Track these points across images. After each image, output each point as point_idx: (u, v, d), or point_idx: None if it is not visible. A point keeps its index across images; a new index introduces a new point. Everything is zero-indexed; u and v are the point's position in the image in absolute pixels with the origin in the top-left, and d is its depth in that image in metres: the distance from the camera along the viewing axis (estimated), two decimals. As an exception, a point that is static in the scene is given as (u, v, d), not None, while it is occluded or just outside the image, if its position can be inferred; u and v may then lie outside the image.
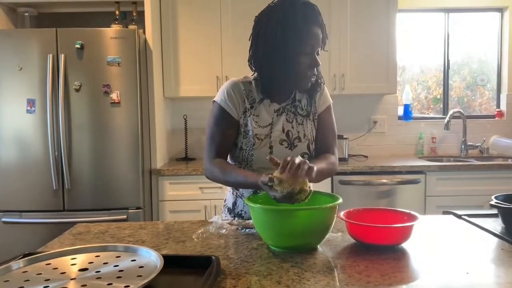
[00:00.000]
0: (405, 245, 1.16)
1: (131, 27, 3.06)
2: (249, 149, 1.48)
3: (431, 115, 4.04)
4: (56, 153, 2.77)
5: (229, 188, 1.62)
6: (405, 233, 1.14)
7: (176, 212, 3.08)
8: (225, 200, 1.64)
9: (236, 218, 1.49)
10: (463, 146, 3.68)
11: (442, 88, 3.99)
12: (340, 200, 1.18)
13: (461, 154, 3.67)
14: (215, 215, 2.99)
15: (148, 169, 3.04)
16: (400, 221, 1.20)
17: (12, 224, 2.81)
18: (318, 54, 1.40)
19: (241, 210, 1.54)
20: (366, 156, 3.59)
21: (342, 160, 3.25)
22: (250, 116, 1.49)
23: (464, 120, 3.67)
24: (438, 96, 4.06)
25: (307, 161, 1.18)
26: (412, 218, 1.19)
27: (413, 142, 3.78)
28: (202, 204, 3.06)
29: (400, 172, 3.07)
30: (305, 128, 1.53)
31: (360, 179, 3.05)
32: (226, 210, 1.61)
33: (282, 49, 1.37)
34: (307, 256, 1.09)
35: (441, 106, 4.00)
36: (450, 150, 3.78)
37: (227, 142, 1.50)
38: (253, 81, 1.52)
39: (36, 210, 2.82)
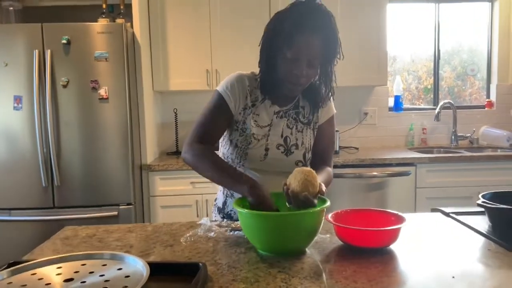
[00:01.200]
0: (393, 246, 1.17)
1: (119, 20, 3.01)
2: (244, 148, 1.46)
3: (422, 105, 4.05)
4: (44, 150, 2.75)
5: (220, 188, 1.60)
6: (392, 236, 1.14)
7: (167, 208, 3.07)
8: (216, 199, 1.63)
9: (225, 219, 1.48)
10: (453, 137, 3.70)
11: (432, 78, 3.99)
12: (328, 203, 1.18)
13: (451, 145, 3.68)
14: (206, 215, 3.02)
15: (139, 165, 3.02)
16: (388, 222, 1.20)
17: (1, 222, 2.78)
18: (312, 65, 1.33)
19: (231, 210, 1.54)
20: (357, 148, 3.60)
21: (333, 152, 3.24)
22: (250, 114, 1.45)
23: (454, 111, 3.69)
24: (429, 86, 4.06)
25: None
26: (399, 219, 1.19)
27: (404, 133, 3.79)
28: (194, 199, 3.06)
29: (390, 165, 3.08)
30: (304, 136, 1.50)
31: (351, 172, 3.06)
32: (216, 209, 1.60)
33: (266, 49, 1.36)
34: (295, 261, 1.09)
35: (432, 96, 4.01)
36: (441, 140, 3.80)
37: (215, 131, 1.46)
38: (258, 79, 1.47)
39: (25, 208, 2.80)
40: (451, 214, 1.46)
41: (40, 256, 1.19)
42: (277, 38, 1.32)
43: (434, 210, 1.56)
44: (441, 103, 3.64)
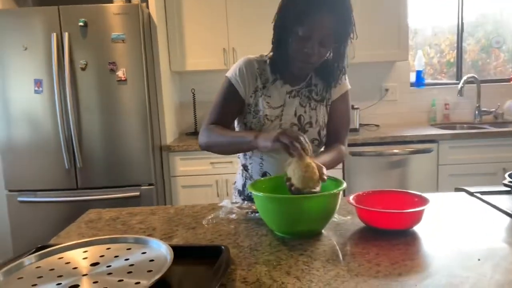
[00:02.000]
0: (416, 227, 1.15)
1: (134, 1, 2.98)
2: (258, 130, 1.46)
3: (444, 80, 3.95)
4: (66, 133, 2.79)
5: (239, 170, 1.61)
6: (416, 218, 1.13)
7: (188, 187, 3.10)
8: (235, 182, 1.63)
9: (246, 202, 1.49)
10: (477, 112, 3.61)
11: (455, 52, 3.87)
12: (344, 185, 1.16)
13: (475, 120, 3.60)
14: (226, 195, 3.04)
15: (159, 146, 3.05)
16: (411, 204, 1.19)
17: (27, 203, 2.86)
18: (324, 44, 1.32)
19: (251, 192, 1.54)
20: (377, 125, 3.55)
21: (353, 130, 3.22)
22: (261, 96, 1.46)
23: (478, 85, 3.58)
24: (452, 60, 3.95)
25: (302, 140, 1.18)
26: (423, 201, 1.17)
27: (426, 109, 3.72)
28: (214, 179, 3.08)
29: (411, 142, 3.03)
30: (318, 113, 1.49)
31: (371, 150, 3.03)
32: (236, 192, 1.61)
33: (278, 26, 1.35)
34: (316, 243, 1.09)
35: (455, 70, 3.90)
36: (464, 116, 3.71)
37: (227, 115, 1.49)
38: (268, 60, 1.47)
39: (50, 189, 2.87)
40: (475, 194, 1.43)
41: (66, 240, 1.22)
42: (290, 15, 1.31)
43: (458, 189, 1.53)
44: (464, 78, 3.54)
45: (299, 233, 1.14)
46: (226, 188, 3.07)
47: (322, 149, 1.53)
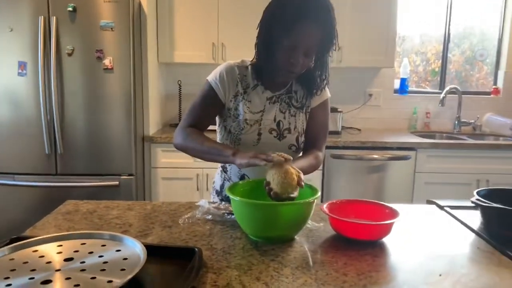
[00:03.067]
0: (385, 239, 1.19)
1: (126, -11, 2.96)
2: (237, 133, 1.49)
3: (428, 89, 4.02)
4: (48, 117, 2.77)
5: (218, 170, 1.64)
6: (385, 230, 1.17)
7: (168, 180, 3.11)
8: (214, 182, 1.66)
9: (223, 202, 1.51)
10: (456, 123, 3.69)
11: (441, 61, 3.94)
12: (318, 194, 1.20)
13: (454, 131, 3.68)
14: (206, 189, 3.06)
15: (141, 136, 3.05)
16: (382, 215, 1.23)
17: (4, 186, 2.84)
18: (308, 54, 1.35)
19: (229, 194, 1.56)
20: (359, 129, 3.60)
21: (335, 133, 3.26)
22: (242, 100, 1.48)
23: (460, 96, 3.66)
24: (437, 69, 4.03)
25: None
26: (393, 213, 1.21)
27: (407, 116, 3.79)
28: (194, 172, 3.10)
29: (391, 148, 3.10)
30: (297, 120, 1.52)
31: (351, 154, 3.08)
32: (214, 192, 1.63)
33: (264, 34, 1.37)
34: (288, 249, 1.12)
35: (439, 79, 3.97)
36: (444, 125, 3.79)
37: (205, 118, 1.51)
38: (249, 66, 1.50)
39: (29, 173, 2.84)
40: (445, 208, 1.48)
41: (42, 231, 1.22)
42: (276, 24, 1.32)
43: (429, 202, 1.58)
44: (447, 88, 3.61)
45: (272, 238, 1.17)
46: (206, 182, 3.09)
47: (300, 154, 1.56)
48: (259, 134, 1.48)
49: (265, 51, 1.39)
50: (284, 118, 1.50)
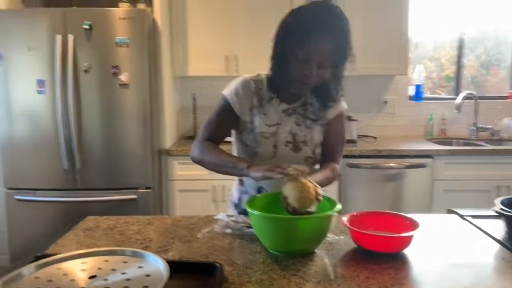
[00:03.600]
0: (406, 250, 1.18)
1: (140, 5, 3.02)
2: (254, 146, 1.50)
3: (443, 95, 3.99)
4: (66, 133, 2.81)
5: (234, 183, 1.64)
6: (406, 242, 1.16)
7: (184, 192, 3.13)
8: (231, 195, 1.66)
9: (241, 216, 1.51)
10: (474, 128, 3.64)
11: (455, 67, 3.91)
12: (339, 207, 1.19)
13: (472, 137, 3.63)
14: (222, 201, 3.06)
15: (158, 149, 3.08)
16: (403, 227, 1.22)
17: (25, 202, 2.88)
18: (323, 66, 1.34)
19: (247, 207, 1.57)
20: (375, 137, 3.58)
21: (350, 142, 3.25)
22: (258, 114, 1.49)
23: (476, 101, 3.62)
24: (451, 75, 3.99)
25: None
26: (414, 224, 1.20)
27: (423, 123, 3.75)
28: (211, 184, 3.11)
29: (408, 156, 3.07)
30: (313, 132, 1.52)
31: (368, 163, 3.06)
32: (232, 205, 1.63)
33: (278, 46, 1.39)
34: (309, 263, 1.12)
35: (454, 85, 3.94)
36: (461, 131, 3.75)
37: (221, 132, 1.54)
38: (264, 79, 1.52)
39: (48, 189, 2.88)
40: (467, 218, 1.46)
41: (64, 248, 1.24)
42: (290, 37, 1.34)
43: (450, 211, 1.56)
44: (463, 94, 3.57)
45: (292, 252, 1.17)
46: (223, 194, 3.10)
47: (316, 167, 1.56)
48: (275, 147, 1.49)
49: (279, 63, 1.40)
50: (300, 130, 1.51)
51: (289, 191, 1.18)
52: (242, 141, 1.53)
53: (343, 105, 1.57)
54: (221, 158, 1.43)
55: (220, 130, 1.53)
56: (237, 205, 1.61)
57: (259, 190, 1.53)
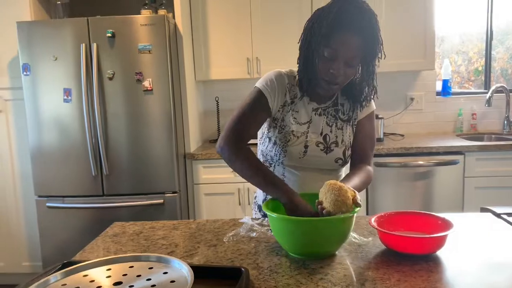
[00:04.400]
0: (439, 252, 1.13)
1: (161, 11, 3.04)
2: (283, 145, 1.46)
3: (472, 89, 3.87)
4: (93, 141, 2.85)
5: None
6: (439, 243, 1.11)
7: (210, 195, 3.13)
8: (255, 197, 1.64)
9: (266, 218, 1.49)
10: (505, 122, 3.52)
11: (483, 60, 3.78)
12: (358, 208, 1.15)
13: (503, 131, 3.51)
14: (248, 203, 3.06)
15: (183, 154, 3.09)
16: (434, 227, 1.17)
17: (55, 208, 2.94)
18: (350, 65, 1.31)
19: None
20: (402, 135, 3.50)
21: (377, 140, 3.18)
22: (289, 111, 1.46)
23: (508, 94, 3.49)
24: (480, 68, 3.87)
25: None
26: (447, 224, 1.15)
27: (452, 119, 3.64)
28: (236, 187, 3.10)
29: (437, 153, 2.98)
30: (344, 133, 1.48)
31: (395, 161, 2.99)
32: (256, 207, 1.61)
33: (305, 47, 1.35)
34: (337, 266, 1.09)
35: (483, 78, 3.81)
36: (492, 126, 3.62)
37: (254, 127, 1.46)
38: (297, 76, 1.46)
39: (77, 195, 2.93)
40: (502, 216, 1.39)
41: (91, 254, 1.25)
42: (316, 36, 1.30)
43: (484, 210, 1.50)
44: (493, 87, 3.45)
45: (312, 254, 1.14)
46: (248, 196, 3.09)
47: (344, 169, 1.53)
48: (306, 146, 1.45)
49: (305, 65, 1.37)
50: (331, 131, 1.47)
51: (324, 194, 1.16)
52: (270, 139, 1.49)
53: (373, 105, 1.53)
54: (262, 177, 1.34)
55: (253, 123, 1.44)
56: (261, 207, 1.58)
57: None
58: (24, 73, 2.85)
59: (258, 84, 1.47)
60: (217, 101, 3.56)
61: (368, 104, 1.50)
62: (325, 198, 1.15)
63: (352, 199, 1.15)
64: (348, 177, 1.39)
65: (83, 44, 2.77)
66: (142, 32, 2.77)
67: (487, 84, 3.74)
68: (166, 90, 2.84)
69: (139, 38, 2.78)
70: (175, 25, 3.00)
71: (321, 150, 1.46)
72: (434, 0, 3.19)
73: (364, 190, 3.01)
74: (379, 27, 1.29)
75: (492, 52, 3.76)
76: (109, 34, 2.75)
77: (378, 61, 1.35)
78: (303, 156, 1.46)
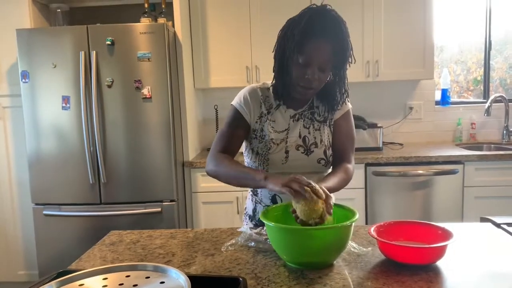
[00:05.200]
0: (438, 262, 1.12)
1: (160, 20, 3.05)
2: (265, 154, 1.50)
3: (471, 98, 3.87)
4: (91, 148, 2.84)
5: (248, 195, 1.63)
6: (439, 253, 1.10)
7: (208, 204, 3.12)
8: (245, 208, 1.65)
9: (264, 228, 1.48)
10: (504, 132, 3.52)
11: (482, 69, 3.79)
12: (356, 217, 1.14)
13: (503, 141, 3.50)
14: (243, 225, 3.04)
15: (181, 162, 3.08)
16: (434, 237, 1.16)
17: (52, 216, 2.92)
18: (323, 69, 1.36)
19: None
20: (401, 144, 3.49)
21: (376, 149, 3.18)
22: (266, 121, 1.51)
23: (506, 104, 3.50)
24: (479, 78, 3.88)
25: (313, 184, 1.17)
26: (447, 234, 1.14)
27: (451, 128, 3.64)
28: (234, 196, 3.08)
29: (436, 163, 2.97)
30: (322, 133, 1.52)
31: (394, 170, 2.98)
32: (248, 218, 1.62)
33: (279, 55, 1.41)
34: (336, 277, 1.07)
35: (482, 88, 3.82)
36: (491, 136, 3.62)
37: (234, 142, 1.52)
38: (271, 87, 1.54)
39: (74, 204, 2.91)
40: (502, 225, 1.39)
41: (87, 263, 1.23)
42: (289, 44, 1.36)
43: (484, 219, 1.49)
44: (491, 97, 3.45)
45: (310, 264, 1.13)
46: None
47: (329, 169, 1.54)
48: (286, 152, 1.49)
49: (281, 72, 1.42)
50: (309, 133, 1.51)
51: (296, 203, 1.17)
52: (253, 150, 1.54)
53: (348, 104, 1.57)
54: (237, 170, 1.41)
55: (233, 141, 1.51)
56: (252, 217, 1.59)
57: (273, 198, 1.53)
58: (23, 80, 2.85)
59: (234, 102, 1.55)
60: (216, 109, 3.56)
61: (342, 106, 1.54)
62: (297, 207, 1.17)
63: (326, 206, 1.15)
64: (326, 177, 1.42)
65: (83, 51, 2.77)
66: (142, 40, 2.78)
67: (486, 94, 3.75)
68: (165, 98, 2.83)
69: (139, 46, 2.78)
70: (175, 33, 3.01)
71: (301, 153, 1.49)
72: (433, 10, 3.21)
73: (363, 200, 3.01)
74: (348, 34, 1.35)
75: (491, 62, 3.77)
76: (109, 42, 2.76)
77: (349, 66, 1.42)
78: (286, 161, 1.49)
